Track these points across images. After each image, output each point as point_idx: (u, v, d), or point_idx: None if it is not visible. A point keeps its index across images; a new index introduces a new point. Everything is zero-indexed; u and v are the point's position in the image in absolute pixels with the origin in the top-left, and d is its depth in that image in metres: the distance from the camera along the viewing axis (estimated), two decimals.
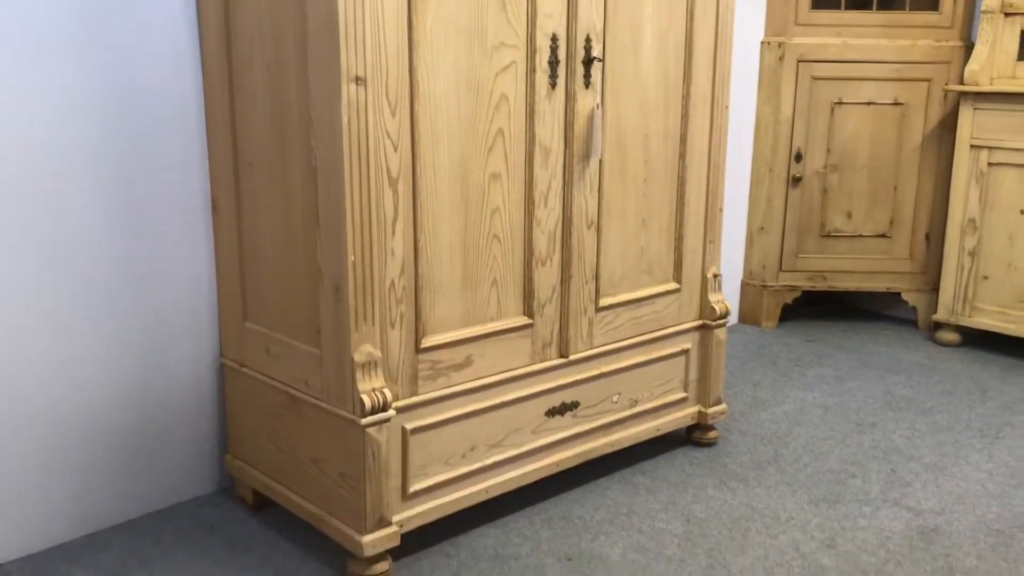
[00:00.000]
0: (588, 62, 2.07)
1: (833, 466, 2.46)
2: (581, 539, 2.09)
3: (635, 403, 2.38)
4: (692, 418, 2.53)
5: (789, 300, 3.64)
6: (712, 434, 2.57)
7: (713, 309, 2.48)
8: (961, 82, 3.29)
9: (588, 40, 2.07)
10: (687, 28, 2.29)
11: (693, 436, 2.58)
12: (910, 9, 3.43)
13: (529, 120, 2.01)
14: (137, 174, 2.05)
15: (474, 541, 2.08)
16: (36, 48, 1.88)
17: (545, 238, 2.09)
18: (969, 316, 3.35)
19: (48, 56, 1.89)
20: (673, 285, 2.41)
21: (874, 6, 3.44)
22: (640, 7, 2.17)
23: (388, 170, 1.79)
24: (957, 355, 3.34)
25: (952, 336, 3.43)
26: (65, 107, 1.93)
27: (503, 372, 2.07)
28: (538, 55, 1.98)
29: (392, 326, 1.85)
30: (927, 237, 3.52)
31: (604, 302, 2.25)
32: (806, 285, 3.61)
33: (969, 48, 3.37)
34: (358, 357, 1.79)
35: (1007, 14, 3.23)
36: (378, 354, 1.82)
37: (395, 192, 1.81)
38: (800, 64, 3.42)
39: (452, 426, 1.99)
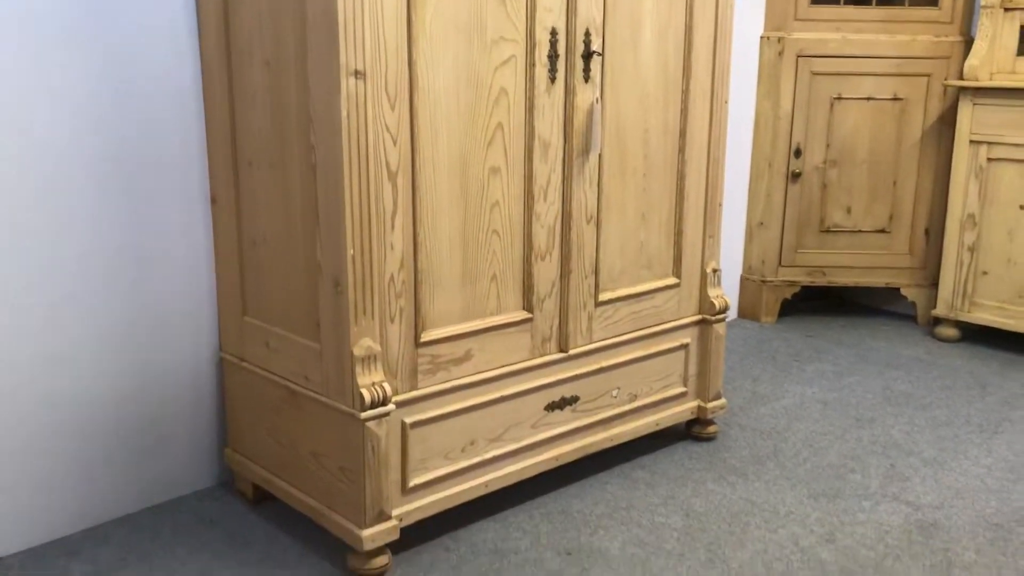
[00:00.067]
0: (587, 56, 2.07)
1: (832, 461, 2.47)
2: (580, 533, 2.10)
3: (634, 398, 2.38)
4: (691, 413, 2.54)
5: (788, 295, 3.64)
6: (711, 429, 2.58)
7: (712, 304, 2.48)
8: (961, 77, 3.29)
9: (587, 34, 2.06)
10: (687, 22, 2.29)
11: (692, 431, 2.58)
12: (909, 4, 3.43)
13: (528, 114, 2.00)
14: (137, 170, 2.05)
15: (474, 535, 2.08)
16: (36, 45, 1.88)
17: (544, 232, 2.09)
18: (968, 311, 3.35)
19: (48, 53, 1.89)
20: (672, 280, 2.41)
21: (873, 1, 3.44)
22: (640, 1, 2.17)
23: (387, 164, 1.79)
24: (956, 350, 3.35)
25: (951, 331, 3.43)
26: (65, 103, 1.93)
27: (503, 366, 2.07)
28: (537, 49, 1.98)
29: (392, 320, 1.85)
30: (926, 232, 3.52)
31: (604, 297, 2.25)
32: (805, 280, 3.61)
33: (969, 43, 3.37)
34: (357, 351, 1.80)
35: (1007, 9, 3.22)
36: (378, 348, 1.82)
37: (394, 186, 1.81)
38: (799, 59, 3.42)
39: (452, 420, 1.99)
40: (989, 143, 3.21)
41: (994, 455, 2.51)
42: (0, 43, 1.83)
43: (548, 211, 2.08)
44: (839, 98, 3.44)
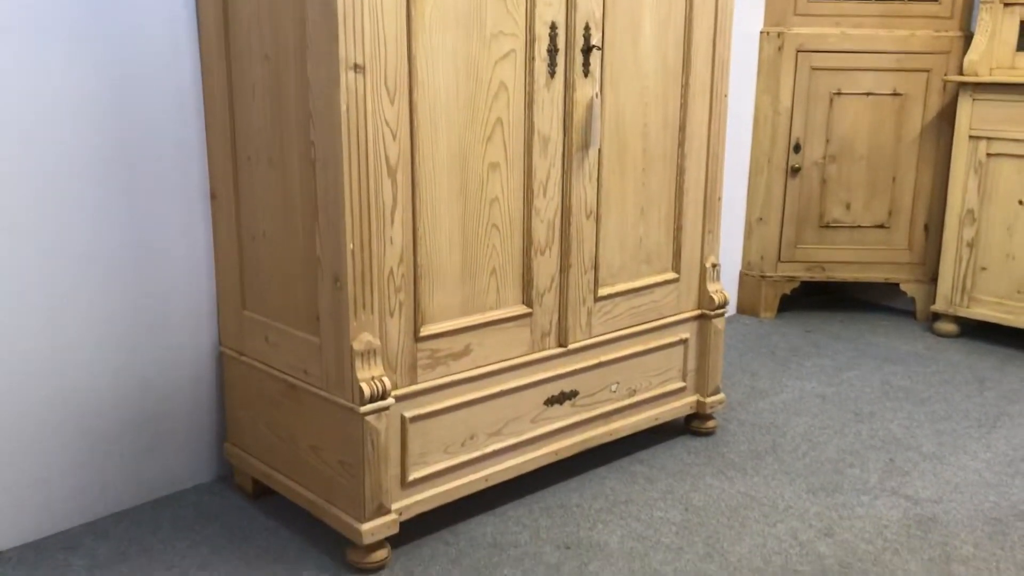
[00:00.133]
0: (587, 51, 2.07)
1: (831, 455, 2.47)
2: (579, 527, 2.10)
3: (634, 392, 2.38)
4: (690, 407, 2.54)
5: (787, 291, 3.65)
6: (710, 423, 2.58)
7: (712, 299, 2.48)
8: (960, 72, 3.29)
9: (587, 28, 2.06)
10: (686, 17, 2.29)
11: (691, 425, 2.58)
12: None
13: (528, 109, 2.00)
14: (136, 165, 2.05)
15: (473, 529, 2.08)
16: (35, 40, 1.87)
17: (544, 227, 2.09)
18: (967, 307, 3.35)
19: (47, 47, 1.89)
20: (672, 275, 2.41)
21: None
22: None
23: (387, 159, 1.79)
24: (955, 345, 3.35)
25: (950, 327, 3.43)
26: (63, 98, 1.93)
27: (502, 361, 2.07)
28: (537, 43, 1.98)
29: (391, 315, 1.85)
30: (926, 228, 3.52)
31: (603, 291, 2.25)
32: (804, 276, 3.61)
33: (968, 38, 3.37)
34: (357, 345, 1.80)
35: (1006, 4, 3.22)
36: (377, 342, 1.83)
37: (394, 181, 1.81)
38: (799, 54, 3.42)
39: (451, 415, 1.99)
40: (988, 139, 3.21)
41: (992, 450, 2.51)
42: (1, 40, 1.84)
43: (547, 206, 2.08)
44: (838, 93, 3.44)
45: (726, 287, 3.56)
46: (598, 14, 2.08)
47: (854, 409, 2.78)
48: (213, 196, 2.14)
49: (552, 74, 2.03)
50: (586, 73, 2.08)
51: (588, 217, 2.17)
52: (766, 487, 2.29)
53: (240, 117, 2.00)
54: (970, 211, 3.28)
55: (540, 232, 2.08)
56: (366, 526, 1.86)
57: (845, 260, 3.57)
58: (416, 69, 1.80)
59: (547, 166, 2.06)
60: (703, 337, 2.51)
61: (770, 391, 2.91)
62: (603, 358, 2.28)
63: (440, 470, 2.00)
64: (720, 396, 2.57)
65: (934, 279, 3.50)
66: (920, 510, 2.19)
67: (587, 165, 2.14)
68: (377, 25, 1.72)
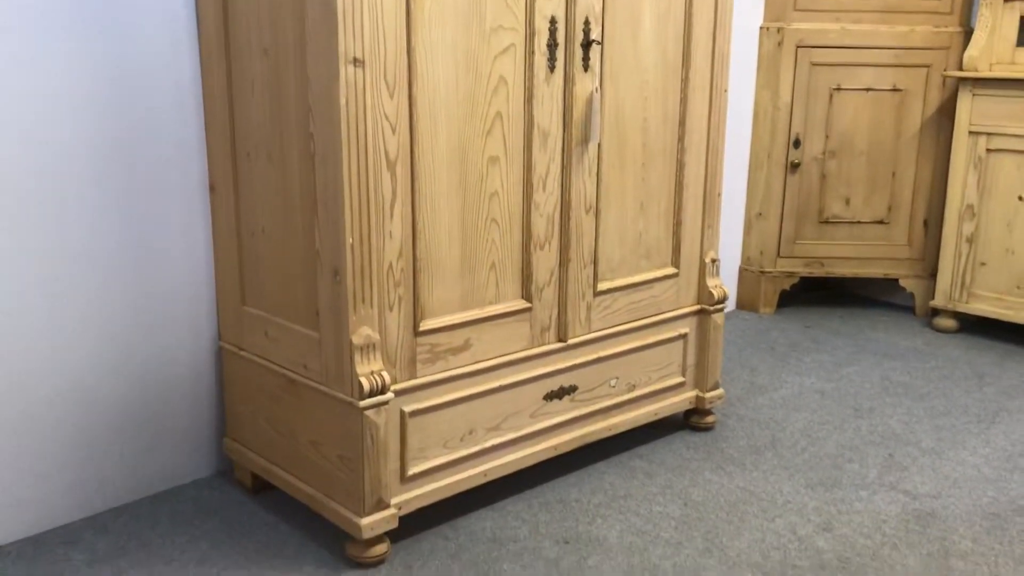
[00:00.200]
0: (587, 45, 2.07)
1: (830, 451, 2.47)
2: (578, 522, 2.10)
3: (633, 387, 2.38)
4: (690, 403, 2.54)
5: (787, 286, 3.65)
6: (709, 419, 2.58)
7: (711, 294, 2.48)
8: (960, 68, 3.29)
9: (587, 23, 2.06)
10: (686, 11, 2.28)
11: (690, 421, 2.59)
12: None
13: (528, 103, 2.00)
14: (135, 160, 2.05)
15: (472, 524, 2.08)
16: (34, 34, 1.87)
17: (543, 222, 2.09)
18: (967, 302, 3.35)
19: (45, 42, 1.89)
20: (671, 270, 2.41)
21: None
22: None
23: (386, 153, 1.78)
24: (954, 341, 3.35)
25: (950, 322, 3.43)
26: (63, 93, 1.92)
27: (501, 356, 2.07)
28: (537, 38, 1.98)
29: (390, 309, 1.85)
30: (925, 223, 3.52)
31: (602, 286, 2.25)
32: (804, 271, 3.61)
33: (968, 34, 3.37)
34: (356, 340, 1.80)
35: (1006, 0, 3.22)
36: (376, 337, 1.82)
37: (393, 175, 1.80)
38: (799, 50, 3.41)
39: (450, 409, 1.99)
40: (988, 134, 3.21)
41: (991, 445, 2.52)
42: (1, 32, 1.83)
43: (547, 200, 2.08)
44: (838, 89, 3.44)
45: (725, 282, 3.56)
46: (598, 8, 2.08)
47: (853, 405, 2.78)
48: (212, 190, 2.14)
49: (552, 68, 2.02)
50: (586, 67, 2.08)
51: (587, 212, 2.17)
52: (765, 482, 2.30)
53: (239, 113, 1.99)
54: (970, 207, 3.28)
55: (539, 226, 2.08)
56: (365, 520, 1.86)
57: (844, 256, 3.57)
58: (415, 63, 1.80)
59: (547, 160, 2.06)
60: (702, 332, 2.51)
61: (769, 387, 2.91)
62: (602, 353, 2.28)
63: (439, 465, 2.00)
64: (719, 391, 2.57)
65: (933, 275, 3.50)
66: (919, 505, 2.20)
67: (587, 160, 2.14)
68: (376, 19, 1.71)
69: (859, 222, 3.55)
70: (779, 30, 3.42)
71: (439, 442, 1.99)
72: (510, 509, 2.15)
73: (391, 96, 1.77)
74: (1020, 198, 3.19)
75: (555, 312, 2.16)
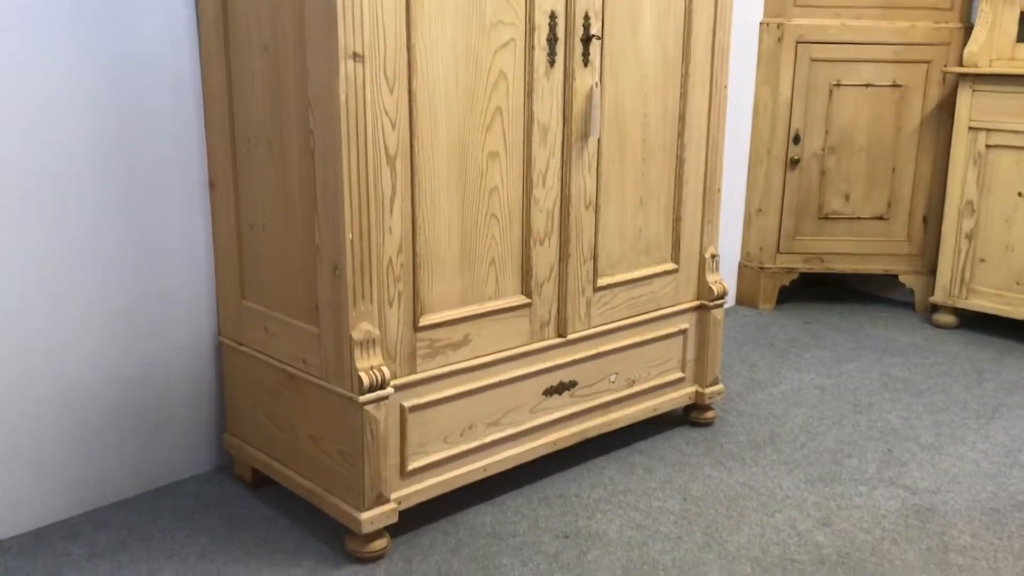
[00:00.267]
0: (587, 40, 2.07)
1: (829, 446, 2.47)
2: (578, 517, 2.10)
3: (632, 383, 2.38)
4: (689, 398, 2.54)
5: (786, 282, 3.65)
6: (709, 414, 2.58)
7: (711, 289, 2.48)
8: (960, 64, 3.29)
9: (587, 18, 2.06)
10: (686, 7, 2.28)
11: (690, 416, 2.59)
12: None
13: (527, 98, 2.00)
14: (135, 155, 2.05)
15: (472, 519, 2.09)
16: (34, 34, 1.87)
17: (543, 217, 2.09)
18: (966, 298, 3.35)
19: (45, 42, 1.88)
20: (671, 265, 2.42)
21: None
22: None
23: (386, 148, 1.78)
24: (954, 337, 3.35)
25: (949, 318, 3.43)
26: (63, 93, 1.92)
27: (501, 351, 2.07)
28: (536, 33, 1.98)
29: (390, 304, 1.85)
30: (925, 219, 3.52)
31: (602, 282, 2.25)
32: (803, 267, 3.61)
33: (968, 30, 3.37)
34: (356, 335, 1.80)
35: None
36: (376, 332, 1.83)
37: (393, 170, 1.80)
38: (799, 45, 3.41)
39: (450, 404, 1.99)
40: (988, 130, 3.21)
41: (991, 440, 2.52)
42: (1, 32, 1.83)
43: (547, 196, 2.08)
44: (838, 84, 3.44)
45: (725, 278, 3.55)
46: (598, 3, 2.08)
47: (853, 400, 2.78)
48: (212, 185, 2.14)
49: (552, 63, 2.02)
50: (586, 63, 2.08)
51: (587, 207, 2.17)
52: (764, 477, 2.30)
53: (239, 108, 1.99)
54: (969, 202, 3.28)
55: (539, 222, 2.08)
56: (365, 515, 1.86)
57: (844, 251, 3.57)
58: (415, 58, 1.80)
59: (546, 156, 2.06)
60: (702, 328, 2.51)
61: (769, 382, 2.92)
62: (602, 348, 2.28)
63: (439, 460, 2.00)
64: (719, 387, 2.58)
65: (933, 271, 3.50)
66: (918, 500, 2.20)
67: (586, 155, 2.14)
68: (376, 14, 1.71)
69: (859, 218, 3.55)
70: (779, 26, 3.41)
71: (439, 437, 1.99)
72: (510, 504, 2.15)
73: (391, 91, 1.77)
74: (1020, 194, 3.19)
75: (555, 307, 2.16)
